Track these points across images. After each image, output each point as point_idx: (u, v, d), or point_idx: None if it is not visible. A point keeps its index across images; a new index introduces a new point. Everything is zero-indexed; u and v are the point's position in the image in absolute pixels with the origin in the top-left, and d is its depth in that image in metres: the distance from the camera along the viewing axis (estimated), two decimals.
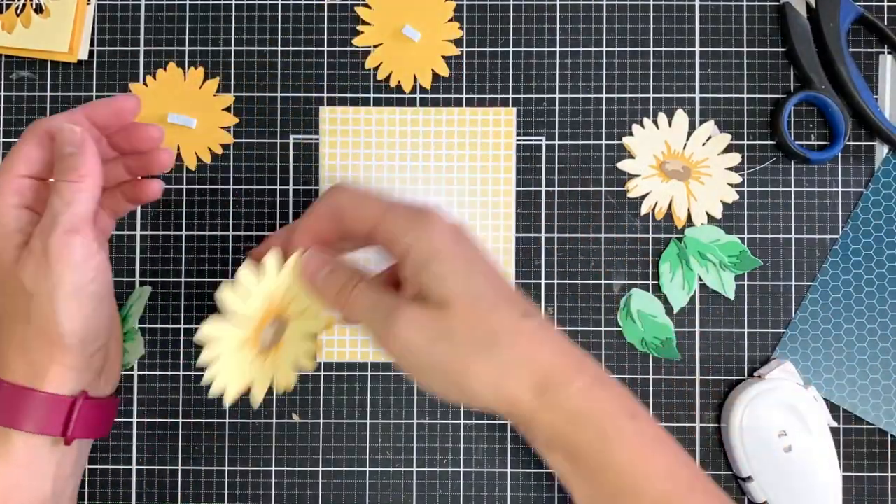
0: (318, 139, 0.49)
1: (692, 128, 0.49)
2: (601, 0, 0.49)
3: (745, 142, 0.49)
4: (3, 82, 0.49)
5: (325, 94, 0.49)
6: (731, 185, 0.48)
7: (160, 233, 0.48)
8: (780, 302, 0.48)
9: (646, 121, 0.49)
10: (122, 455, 0.48)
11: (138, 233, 0.48)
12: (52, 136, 0.37)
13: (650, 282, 0.48)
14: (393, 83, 0.48)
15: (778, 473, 0.45)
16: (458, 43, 0.49)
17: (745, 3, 0.49)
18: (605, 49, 0.49)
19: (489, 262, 0.37)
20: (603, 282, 0.48)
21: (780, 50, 0.49)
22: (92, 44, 0.49)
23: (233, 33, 0.49)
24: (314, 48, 0.49)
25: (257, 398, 0.40)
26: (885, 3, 0.49)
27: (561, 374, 0.35)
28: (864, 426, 0.48)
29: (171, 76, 0.49)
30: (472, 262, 0.36)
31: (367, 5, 0.49)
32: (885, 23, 0.49)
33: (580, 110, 0.49)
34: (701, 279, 0.48)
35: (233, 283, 0.37)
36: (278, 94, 0.49)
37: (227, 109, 0.49)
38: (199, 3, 0.49)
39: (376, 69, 0.49)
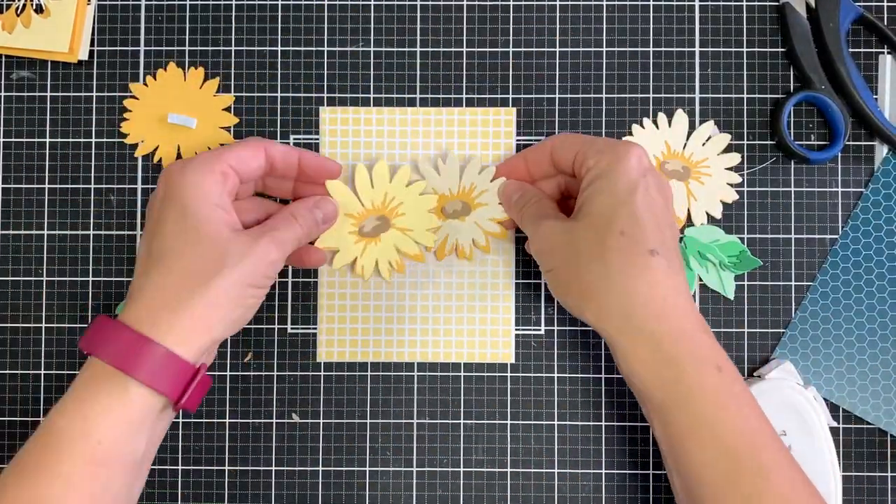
0: (318, 139, 0.49)
1: (692, 128, 0.49)
2: (601, 0, 0.49)
3: (745, 142, 0.49)
4: (3, 82, 0.49)
5: (325, 94, 0.49)
6: (731, 185, 0.48)
7: None
8: (780, 302, 0.48)
9: (646, 121, 0.49)
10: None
11: (138, 233, 0.48)
12: (270, 156, 0.42)
13: None
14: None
15: None
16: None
17: (745, 3, 0.49)
18: (605, 49, 0.49)
19: (657, 201, 0.40)
20: None
21: (780, 50, 0.49)
22: (92, 44, 0.49)
23: (233, 33, 0.49)
24: (314, 48, 0.49)
25: (337, 263, 0.47)
26: (885, 3, 0.49)
27: (654, 315, 0.39)
28: (864, 426, 0.48)
29: (171, 76, 0.49)
30: (632, 192, 0.40)
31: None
32: (885, 23, 0.49)
33: (580, 110, 0.49)
34: (701, 279, 0.48)
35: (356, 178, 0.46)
36: (278, 94, 0.49)
37: (227, 109, 0.49)
38: (199, 3, 0.49)
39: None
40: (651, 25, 0.49)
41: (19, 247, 0.48)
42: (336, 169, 0.45)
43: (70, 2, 0.48)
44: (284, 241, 0.41)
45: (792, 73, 0.49)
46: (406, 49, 0.49)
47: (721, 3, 0.49)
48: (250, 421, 0.48)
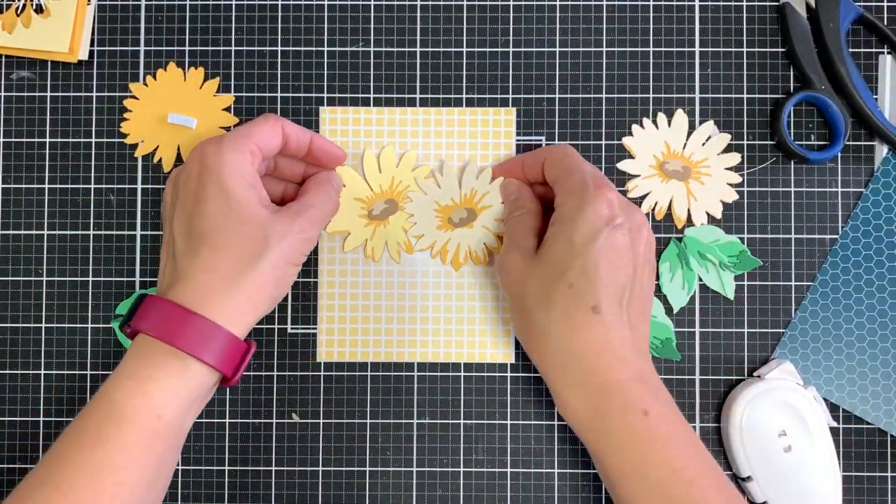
0: None
1: (692, 128, 0.49)
2: (601, 0, 0.49)
3: (745, 142, 0.49)
4: (3, 82, 0.49)
5: (325, 94, 0.49)
6: (731, 185, 0.48)
7: (160, 233, 0.48)
8: (780, 302, 0.48)
9: (645, 121, 0.49)
10: None
11: (138, 233, 0.48)
12: (286, 135, 0.43)
13: None
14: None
15: (778, 473, 0.45)
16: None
17: (745, 3, 0.49)
18: (605, 49, 0.49)
19: (617, 251, 0.41)
20: None
21: (780, 50, 0.49)
22: (92, 44, 0.49)
23: (233, 33, 0.49)
24: (314, 48, 0.49)
25: (349, 246, 0.48)
26: (885, 3, 0.49)
27: (586, 369, 0.40)
28: (864, 426, 0.48)
29: (171, 76, 0.49)
30: (589, 243, 0.40)
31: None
32: (885, 23, 0.49)
33: (580, 110, 0.49)
34: (701, 279, 0.48)
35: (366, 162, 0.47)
36: (278, 94, 0.49)
37: (227, 109, 0.49)
38: (199, 3, 0.49)
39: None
40: (651, 25, 0.49)
41: (19, 247, 0.48)
42: (342, 156, 0.46)
43: (70, 2, 0.48)
44: (320, 218, 0.43)
45: (792, 73, 0.49)
46: (406, 49, 0.49)
47: (721, 3, 0.49)
48: (250, 421, 0.48)
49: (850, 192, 0.48)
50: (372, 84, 0.49)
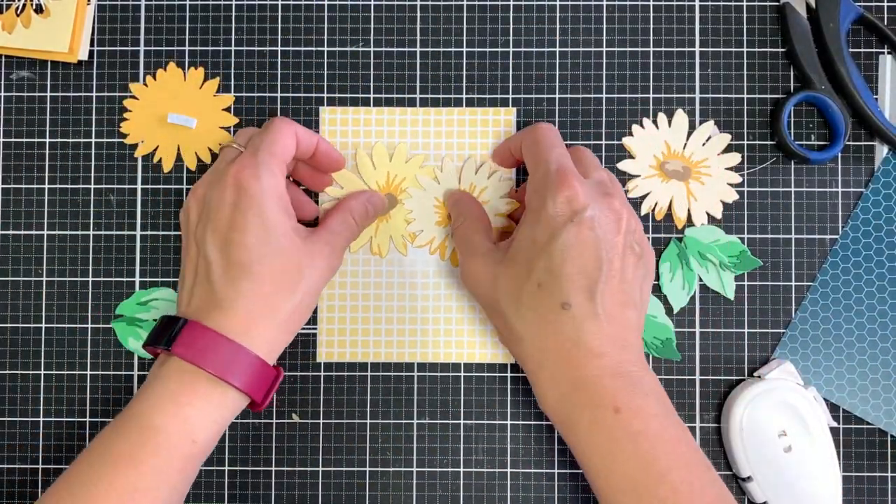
0: None
1: (692, 128, 0.49)
2: (601, 0, 0.49)
3: (745, 142, 0.49)
4: (3, 82, 0.49)
5: (325, 94, 0.49)
6: (731, 185, 0.48)
7: (160, 233, 0.48)
8: (780, 302, 0.48)
9: (646, 121, 0.49)
10: None
11: (138, 233, 0.48)
12: (298, 139, 0.43)
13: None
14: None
15: (778, 473, 0.45)
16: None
17: (745, 3, 0.49)
18: (605, 49, 0.49)
19: (586, 243, 0.40)
20: None
21: (780, 50, 0.49)
22: (92, 44, 0.49)
23: (233, 33, 0.49)
24: (314, 48, 0.49)
25: (355, 247, 0.48)
26: (885, 3, 0.49)
27: (560, 363, 0.40)
28: (864, 426, 0.48)
29: (171, 76, 0.49)
30: (552, 240, 0.40)
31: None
32: (885, 23, 0.49)
33: (580, 110, 0.49)
34: (701, 279, 0.48)
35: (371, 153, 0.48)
36: (278, 94, 0.49)
37: (227, 109, 0.49)
38: (199, 3, 0.49)
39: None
40: (651, 25, 0.49)
41: (19, 247, 0.48)
42: (343, 162, 0.47)
43: (70, 2, 0.48)
44: (343, 245, 0.44)
45: (792, 73, 0.49)
46: (406, 49, 0.49)
47: (721, 3, 0.49)
48: (250, 421, 0.48)
49: (850, 192, 0.48)
50: (372, 84, 0.49)
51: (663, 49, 0.49)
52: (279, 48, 0.49)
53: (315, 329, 0.48)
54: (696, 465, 0.39)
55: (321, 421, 0.48)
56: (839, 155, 0.48)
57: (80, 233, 0.48)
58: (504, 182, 0.48)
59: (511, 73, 0.49)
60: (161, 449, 0.38)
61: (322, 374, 0.48)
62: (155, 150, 0.48)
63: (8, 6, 0.49)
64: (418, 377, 0.48)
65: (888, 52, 0.49)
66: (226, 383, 0.39)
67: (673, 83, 0.49)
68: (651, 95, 0.49)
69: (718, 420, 0.48)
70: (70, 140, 0.49)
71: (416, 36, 0.49)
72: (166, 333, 0.40)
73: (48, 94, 0.49)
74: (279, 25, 0.49)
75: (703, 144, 0.48)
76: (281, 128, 0.42)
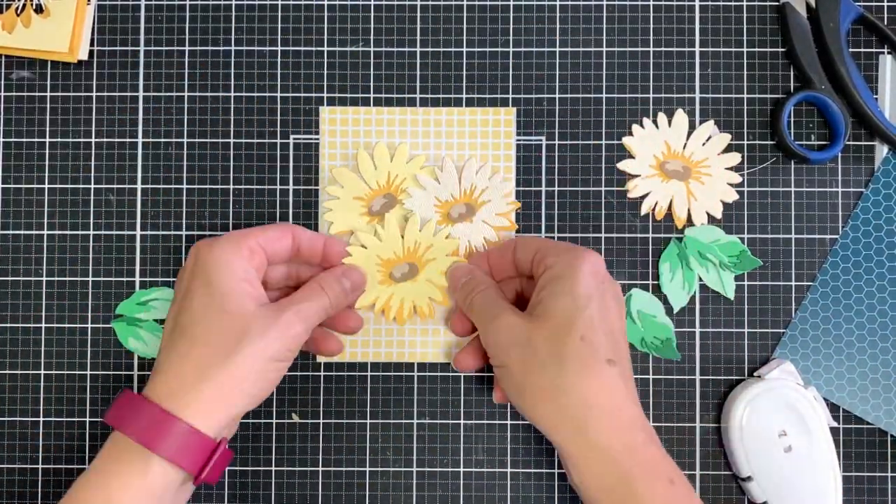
0: (318, 139, 0.49)
1: (692, 128, 0.49)
2: (601, 0, 0.49)
3: (745, 142, 0.49)
4: (3, 82, 0.49)
5: (325, 94, 0.49)
6: (731, 185, 0.48)
7: (160, 233, 0.48)
8: (780, 302, 0.48)
9: (646, 121, 0.49)
10: None
11: (138, 233, 0.48)
12: (297, 239, 0.43)
13: (650, 282, 0.48)
14: None
15: (778, 473, 0.45)
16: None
17: (745, 3, 0.49)
18: (605, 49, 0.49)
19: (612, 311, 0.40)
20: None
21: (780, 50, 0.49)
22: (92, 44, 0.49)
23: (233, 33, 0.49)
24: (314, 48, 0.49)
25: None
26: (885, 3, 0.49)
27: (609, 427, 0.38)
28: (864, 426, 0.48)
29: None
30: (591, 299, 0.39)
31: None
32: (885, 23, 0.49)
33: (580, 110, 0.49)
34: (701, 279, 0.48)
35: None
36: (278, 94, 0.49)
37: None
38: (199, 3, 0.49)
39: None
40: (651, 25, 0.49)
41: (19, 247, 0.48)
42: (343, 253, 0.46)
43: (70, 2, 0.48)
44: (309, 313, 0.41)
45: (792, 73, 0.49)
46: (406, 49, 0.49)
47: (721, 3, 0.49)
48: (250, 421, 0.48)
49: (850, 192, 0.48)
50: (372, 84, 0.49)
51: (663, 49, 0.49)
52: (279, 48, 0.49)
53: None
54: None
55: (321, 421, 0.48)
56: (839, 155, 0.48)
57: (80, 233, 0.48)
58: (504, 182, 0.48)
59: (511, 73, 0.49)
60: None
61: (322, 374, 0.48)
62: None
63: (8, 6, 0.49)
64: (418, 377, 0.48)
65: (888, 52, 0.49)
66: (148, 451, 0.37)
67: (673, 83, 0.49)
68: (651, 95, 0.49)
69: (718, 420, 0.48)
70: (70, 140, 0.49)
71: (416, 36, 0.49)
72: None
73: (48, 94, 0.49)
74: (279, 25, 0.49)
75: (703, 144, 0.48)
76: (275, 224, 0.44)
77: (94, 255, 0.48)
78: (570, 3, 0.49)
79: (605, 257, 0.48)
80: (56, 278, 0.48)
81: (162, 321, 0.48)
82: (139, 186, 0.49)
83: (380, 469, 0.48)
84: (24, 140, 0.49)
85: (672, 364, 0.48)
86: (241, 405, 0.39)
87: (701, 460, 0.48)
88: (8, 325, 0.48)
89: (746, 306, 0.48)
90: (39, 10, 0.49)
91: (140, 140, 0.49)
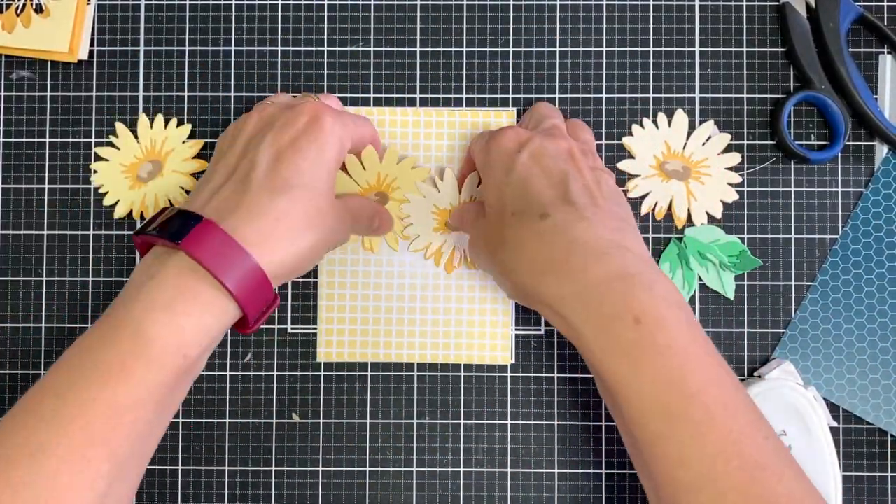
0: None
1: (692, 128, 0.49)
2: (601, 0, 0.49)
3: (745, 142, 0.49)
4: (3, 82, 0.49)
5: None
6: (731, 184, 0.48)
7: None
8: (780, 302, 0.48)
9: (646, 121, 0.49)
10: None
11: None
12: (374, 142, 0.47)
13: None
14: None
15: None
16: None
17: (745, 3, 0.49)
18: (605, 49, 0.49)
19: (542, 163, 0.41)
20: None
21: (780, 50, 0.49)
22: (92, 44, 0.49)
23: (233, 33, 0.49)
24: (314, 48, 0.49)
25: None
26: (885, 3, 0.49)
27: (559, 278, 0.38)
28: (864, 426, 0.48)
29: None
30: (509, 172, 0.41)
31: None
32: (885, 23, 0.49)
33: (580, 110, 0.49)
34: (701, 279, 0.48)
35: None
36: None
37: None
38: (199, 3, 0.49)
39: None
40: (651, 25, 0.49)
41: (19, 247, 0.48)
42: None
43: (70, 2, 0.48)
44: (352, 228, 0.44)
45: (792, 73, 0.49)
46: (406, 49, 0.49)
47: (721, 3, 0.49)
48: (250, 421, 0.48)
49: (850, 192, 0.48)
50: (372, 84, 0.49)
51: (663, 49, 0.49)
52: (279, 48, 0.49)
53: (315, 329, 0.48)
54: (727, 383, 0.35)
55: (321, 421, 0.48)
56: (839, 155, 0.48)
57: (80, 233, 0.48)
58: None
59: (511, 73, 0.49)
60: (153, 364, 0.35)
61: (322, 374, 0.48)
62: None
63: (8, 6, 0.49)
64: (418, 377, 0.48)
65: (888, 52, 0.49)
66: (228, 293, 0.36)
67: (673, 83, 0.49)
68: (651, 95, 0.49)
69: None
70: (70, 140, 0.49)
71: (416, 36, 0.49)
72: (175, 226, 0.37)
73: (48, 94, 0.49)
74: (279, 25, 0.49)
75: (703, 144, 0.48)
76: (368, 126, 0.45)
77: (94, 255, 0.48)
78: (570, 3, 0.49)
79: None
80: (56, 278, 0.48)
81: None
82: None
83: (380, 469, 0.48)
84: (24, 140, 0.49)
85: None
86: (297, 273, 0.41)
87: None
88: (8, 325, 0.48)
89: (746, 306, 0.48)
90: (39, 10, 0.49)
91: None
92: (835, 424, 0.47)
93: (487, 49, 0.49)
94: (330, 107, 0.42)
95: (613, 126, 0.49)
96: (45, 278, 0.48)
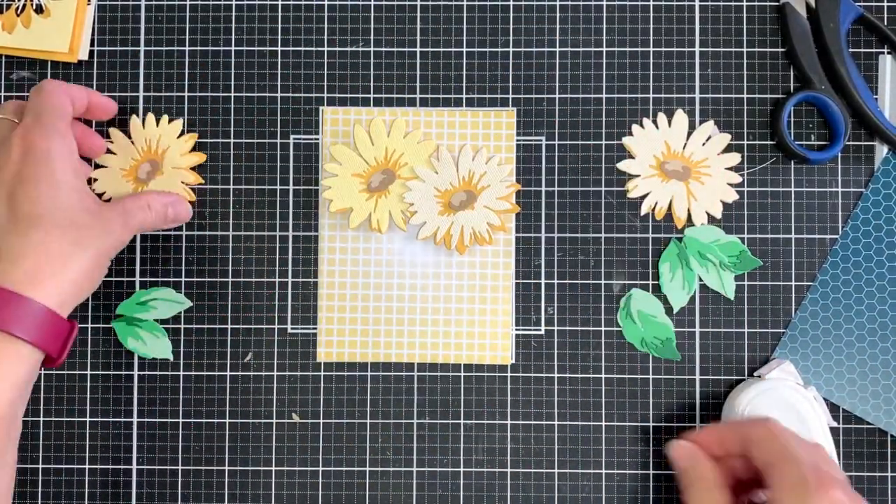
0: (318, 139, 0.49)
1: (692, 128, 0.49)
2: (601, 0, 0.49)
3: (745, 142, 0.49)
4: (3, 82, 0.49)
5: (325, 94, 0.49)
6: (731, 185, 0.48)
7: (160, 233, 0.48)
8: (780, 302, 0.48)
9: (645, 121, 0.49)
10: (122, 455, 0.48)
11: (138, 233, 0.48)
12: (71, 96, 0.43)
13: (650, 282, 0.48)
14: None
15: None
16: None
17: (745, 3, 0.49)
18: (605, 49, 0.49)
19: None
20: (603, 282, 0.48)
21: (780, 50, 0.49)
22: (92, 44, 0.49)
23: (233, 33, 0.49)
24: (314, 48, 0.49)
25: (353, 222, 0.47)
26: (885, 3, 0.49)
27: None
28: (864, 426, 0.48)
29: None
30: None
31: None
32: (885, 23, 0.49)
33: (580, 110, 0.49)
34: (701, 279, 0.48)
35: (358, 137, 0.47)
36: (278, 94, 0.49)
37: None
38: (199, 3, 0.49)
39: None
40: (651, 25, 0.49)
41: None
42: (114, 106, 0.47)
43: (70, 2, 0.48)
44: (136, 226, 0.44)
45: (792, 73, 0.49)
46: (406, 49, 0.49)
47: (721, 3, 0.49)
48: (250, 421, 0.48)
49: (850, 192, 0.48)
50: (372, 84, 0.49)
51: (663, 49, 0.49)
52: (279, 48, 0.49)
53: (315, 329, 0.48)
54: None
55: (321, 421, 0.48)
56: (839, 155, 0.48)
57: None
58: (502, 166, 0.48)
59: (511, 73, 0.49)
60: None
61: (322, 373, 0.48)
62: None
63: (8, 6, 0.49)
64: (418, 377, 0.48)
65: (888, 52, 0.49)
66: (15, 338, 0.37)
67: (673, 83, 0.49)
68: (651, 95, 0.49)
69: (718, 420, 0.48)
70: None
71: (416, 36, 0.49)
72: None
73: None
74: (279, 25, 0.49)
75: (703, 144, 0.48)
76: (54, 90, 0.42)
77: None
78: (570, 3, 0.49)
79: (605, 257, 0.48)
80: None
81: (162, 321, 0.48)
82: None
83: (380, 469, 0.48)
84: None
85: (672, 364, 0.48)
86: (83, 294, 0.41)
87: None
88: None
89: (746, 306, 0.48)
90: (39, 10, 0.49)
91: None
92: (835, 424, 0.47)
93: (487, 49, 0.49)
94: (31, 123, 0.41)
95: (613, 126, 0.49)
96: None
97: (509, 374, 0.48)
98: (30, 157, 0.40)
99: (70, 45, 0.48)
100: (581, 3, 0.49)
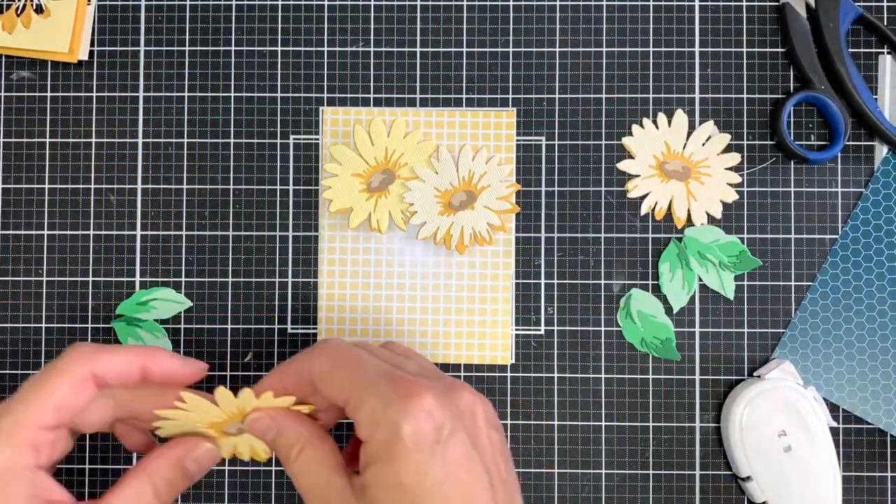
0: (318, 139, 0.49)
1: (692, 128, 0.49)
2: (601, 0, 0.49)
3: (745, 142, 0.49)
4: (3, 82, 0.49)
5: (325, 95, 0.49)
6: (731, 185, 0.48)
7: (160, 233, 0.48)
8: (780, 302, 0.48)
9: (645, 121, 0.49)
10: (122, 455, 0.48)
11: (138, 233, 0.48)
12: (100, 379, 0.34)
13: (650, 282, 0.48)
14: None
15: (778, 473, 0.45)
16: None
17: (744, 3, 0.49)
18: (605, 49, 0.49)
19: (463, 466, 0.32)
20: (603, 282, 0.48)
21: (780, 50, 0.49)
22: (92, 44, 0.49)
23: (233, 33, 0.49)
24: (314, 48, 0.49)
25: (353, 222, 0.46)
26: (885, 3, 0.49)
27: None
28: (864, 426, 0.48)
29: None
30: (423, 479, 0.31)
31: None
32: (885, 23, 0.49)
33: (580, 110, 0.49)
34: (701, 279, 0.48)
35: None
36: (278, 94, 0.49)
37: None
38: (199, 3, 0.49)
39: None
40: (651, 25, 0.49)
41: (19, 247, 0.48)
42: (196, 373, 0.37)
43: (70, 2, 0.48)
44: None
45: (792, 73, 0.49)
46: (406, 49, 0.49)
47: (721, 3, 0.49)
48: None
49: (850, 192, 0.48)
50: (372, 84, 0.49)
51: (663, 49, 0.49)
52: (279, 48, 0.49)
53: (315, 329, 0.48)
54: None
55: None
56: (839, 155, 0.48)
57: (80, 233, 0.48)
58: (502, 166, 0.48)
59: (511, 73, 0.49)
60: None
61: None
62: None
63: (8, 6, 0.49)
64: None
65: (888, 52, 0.49)
66: None
67: (673, 83, 0.49)
68: (651, 95, 0.49)
69: (718, 420, 0.48)
70: (70, 140, 0.49)
71: (416, 36, 0.49)
72: None
73: (48, 94, 0.49)
74: (279, 25, 0.49)
75: (703, 144, 0.48)
76: (48, 377, 0.32)
77: (94, 255, 0.48)
78: (570, 3, 0.49)
79: (605, 257, 0.48)
80: (56, 278, 0.48)
81: (162, 321, 0.48)
82: (139, 186, 0.49)
83: None
84: (24, 140, 0.49)
85: (672, 364, 0.48)
86: None
87: (701, 460, 0.48)
88: (8, 325, 0.48)
89: (746, 306, 0.48)
90: (39, 10, 0.49)
91: (140, 140, 0.49)
92: (835, 424, 0.47)
93: (487, 49, 0.49)
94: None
95: (613, 126, 0.49)
96: (45, 278, 0.48)
97: (509, 374, 0.48)
98: None
99: (70, 45, 0.48)
100: (581, 3, 0.49)
